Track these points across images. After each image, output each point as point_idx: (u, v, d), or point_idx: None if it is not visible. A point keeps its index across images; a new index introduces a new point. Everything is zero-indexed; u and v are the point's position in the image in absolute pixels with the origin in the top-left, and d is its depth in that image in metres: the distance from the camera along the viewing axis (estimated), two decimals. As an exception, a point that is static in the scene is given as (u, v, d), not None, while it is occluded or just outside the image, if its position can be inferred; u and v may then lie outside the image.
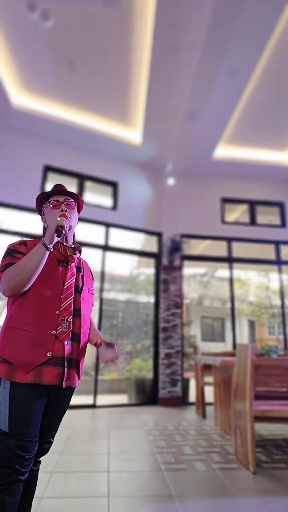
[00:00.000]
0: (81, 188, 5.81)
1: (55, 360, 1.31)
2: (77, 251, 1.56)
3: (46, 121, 5.05)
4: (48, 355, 1.29)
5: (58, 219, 1.36)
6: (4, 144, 5.23)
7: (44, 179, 5.48)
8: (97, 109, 5.10)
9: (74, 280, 1.45)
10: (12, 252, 1.41)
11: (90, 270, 1.67)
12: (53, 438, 1.45)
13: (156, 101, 4.67)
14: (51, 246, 1.34)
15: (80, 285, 1.49)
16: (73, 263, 1.49)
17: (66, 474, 2.42)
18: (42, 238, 1.35)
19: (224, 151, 5.92)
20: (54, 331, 1.33)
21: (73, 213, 1.54)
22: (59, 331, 1.33)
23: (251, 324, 15.23)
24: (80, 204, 1.62)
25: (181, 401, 5.43)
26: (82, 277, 1.53)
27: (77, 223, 1.60)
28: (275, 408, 2.67)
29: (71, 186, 5.85)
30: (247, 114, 5.04)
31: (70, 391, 1.42)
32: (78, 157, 5.73)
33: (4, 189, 5.08)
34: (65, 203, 1.54)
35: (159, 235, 6.11)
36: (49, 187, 5.56)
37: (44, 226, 1.58)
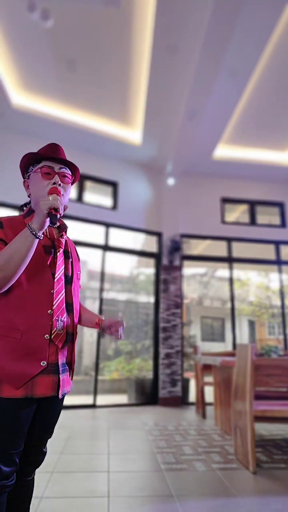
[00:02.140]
0: (81, 188, 5.80)
1: (49, 368, 1.12)
2: (63, 232, 1.28)
3: (46, 121, 5.05)
4: (42, 364, 1.09)
5: (51, 198, 1.08)
6: (3, 144, 5.23)
7: (44, 179, 5.48)
8: (97, 109, 5.10)
9: (63, 270, 1.22)
10: None
11: (76, 249, 1.40)
12: (45, 448, 1.28)
13: (156, 101, 4.67)
14: (41, 233, 1.07)
15: (70, 273, 1.25)
16: (61, 249, 1.23)
17: (66, 474, 2.41)
18: (30, 223, 1.07)
19: (224, 151, 5.92)
20: (47, 335, 1.11)
21: (67, 189, 1.24)
22: (54, 334, 1.13)
23: (251, 324, 15.23)
24: (77, 177, 1.31)
25: (181, 401, 5.43)
26: (72, 263, 1.28)
27: (69, 200, 1.32)
28: (275, 408, 2.67)
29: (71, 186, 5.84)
30: (247, 114, 5.04)
31: (61, 400, 1.25)
32: (78, 157, 5.70)
33: (4, 189, 5.08)
34: (61, 173, 1.22)
35: (159, 235, 6.11)
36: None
37: (27, 193, 1.27)
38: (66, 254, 1.26)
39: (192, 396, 5.57)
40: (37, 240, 1.07)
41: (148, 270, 7.17)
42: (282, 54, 4.05)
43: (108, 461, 2.70)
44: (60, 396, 1.15)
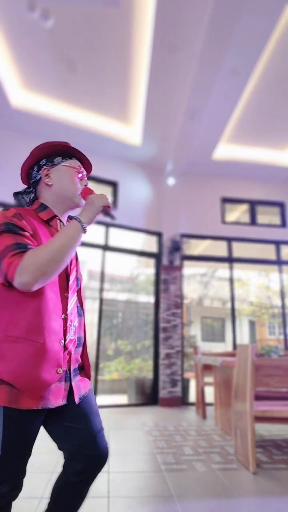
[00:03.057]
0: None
1: (62, 375, 1.05)
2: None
3: (46, 120, 5.04)
4: (58, 372, 1.01)
5: (102, 194, 1.11)
6: (3, 144, 5.23)
7: (44, 179, 5.48)
8: (97, 109, 5.09)
9: (76, 273, 1.17)
10: (14, 228, 1.02)
11: None
12: (103, 441, 1.18)
13: (156, 101, 4.67)
14: (88, 227, 1.07)
15: (80, 275, 1.21)
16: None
17: (66, 474, 2.41)
18: (79, 216, 1.06)
19: (224, 151, 5.91)
20: (62, 340, 1.04)
21: None
22: (68, 339, 1.06)
23: (252, 324, 15.22)
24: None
25: (181, 401, 5.43)
26: (77, 265, 1.22)
27: None
28: (275, 408, 2.66)
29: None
30: (247, 114, 5.04)
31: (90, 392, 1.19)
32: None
33: (3, 189, 5.07)
34: (86, 176, 1.27)
35: (159, 235, 6.11)
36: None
37: (46, 182, 1.20)
38: (76, 256, 1.21)
39: (192, 396, 5.56)
40: (83, 234, 1.06)
41: (148, 270, 7.17)
42: (282, 54, 4.04)
43: (108, 461, 2.70)
44: (77, 401, 1.08)
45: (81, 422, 1.10)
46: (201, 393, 4.64)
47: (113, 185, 6.05)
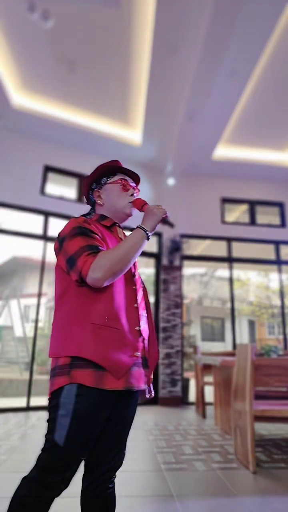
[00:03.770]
0: (81, 188, 5.81)
1: (139, 361, 1.15)
2: None
3: (46, 121, 5.05)
4: (136, 355, 1.13)
5: (160, 206, 1.24)
6: (4, 144, 5.23)
7: (44, 179, 5.49)
8: (97, 109, 5.10)
9: (137, 270, 1.32)
10: (86, 231, 1.17)
11: None
12: (125, 450, 1.24)
13: (156, 101, 4.67)
14: (151, 235, 1.20)
15: (139, 275, 1.35)
16: None
17: (66, 474, 2.42)
18: (142, 225, 1.20)
19: (224, 151, 5.92)
20: (138, 326, 1.18)
21: None
22: (141, 327, 1.20)
23: (251, 324, 15.24)
24: (138, 191, 1.46)
25: (181, 401, 5.44)
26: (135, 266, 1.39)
27: None
28: (275, 407, 2.67)
29: (71, 186, 5.86)
30: (247, 114, 5.05)
31: (137, 396, 1.23)
32: (78, 157, 5.74)
33: (4, 189, 5.08)
34: (134, 187, 1.39)
35: (159, 235, 6.11)
36: (49, 187, 5.57)
37: (98, 202, 1.36)
38: None
39: (192, 396, 5.58)
40: (147, 241, 1.19)
41: (148, 270, 7.17)
42: (282, 54, 4.05)
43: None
44: (149, 391, 1.19)
45: (124, 423, 1.20)
46: (201, 393, 4.65)
47: (113, 185, 6.05)
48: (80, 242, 1.13)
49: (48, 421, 1.10)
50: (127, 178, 1.37)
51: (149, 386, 1.19)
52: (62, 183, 5.87)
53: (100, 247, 1.14)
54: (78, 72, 4.38)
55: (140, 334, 1.17)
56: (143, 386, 1.14)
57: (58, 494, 1.08)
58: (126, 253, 1.12)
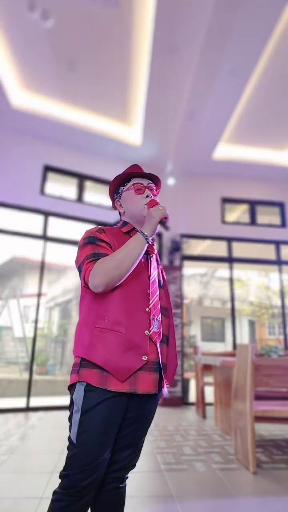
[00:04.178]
0: (81, 188, 5.81)
1: (150, 365, 1.15)
2: (153, 241, 1.37)
3: (46, 120, 5.05)
4: (143, 359, 1.13)
5: (161, 207, 1.22)
6: (3, 144, 5.23)
7: (44, 179, 5.48)
8: (97, 109, 5.09)
9: (156, 273, 1.32)
10: (94, 239, 1.23)
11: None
12: (140, 452, 1.27)
13: (156, 101, 4.67)
14: (151, 238, 1.21)
15: (161, 279, 1.35)
16: (154, 254, 1.35)
17: (66, 474, 2.41)
18: (142, 229, 1.21)
19: (224, 151, 5.91)
20: (147, 331, 1.17)
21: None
22: (152, 331, 1.18)
23: (251, 324, 15.22)
24: (159, 188, 1.45)
25: (181, 401, 5.43)
26: (162, 270, 1.40)
27: None
28: (275, 408, 2.66)
29: (71, 186, 5.85)
30: (247, 114, 5.04)
31: (156, 399, 1.24)
32: (78, 157, 5.73)
33: (4, 189, 5.08)
34: (150, 188, 1.37)
35: (159, 235, 6.11)
36: (49, 187, 5.56)
37: (120, 211, 1.42)
38: (157, 261, 1.38)
39: (192, 396, 5.57)
40: (147, 245, 1.20)
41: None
42: (282, 54, 4.05)
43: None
44: (165, 394, 1.21)
45: (141, 425, 1.21)
46: (201, 393, 4.64)
47: (113, 185, 6.05)
48: (87, 251, 1.20)
49: (68, 418, 1.16)
50: (141, 181, 1.37)
51: (159, 391, 1.18)
52: (62, 183, 5.86)
53: (105, 255, 1.19)
54: (78, 71, 4.37)
55: (151, 339, 1.17)
56: (151, 390, 1.14)
57: (88, 505, 1.11)
58: (122, 259, 1.14)
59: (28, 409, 4.75)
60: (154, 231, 1.21)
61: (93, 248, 1.21)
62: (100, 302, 1.18)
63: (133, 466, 1.26)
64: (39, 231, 5.32)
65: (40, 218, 5.36)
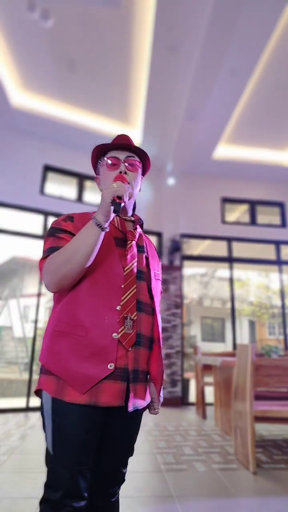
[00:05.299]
0: (81, 188, 5.80)
1: (117, 373, 0.97)
2: (137, 225, 1.19)
3: (46, 120, 5.05)
4: (109, 367, 0.96)
5: (115, 185, 0.98)
6: (3, 144, 5.23)
7: (44, 179, 5.48)
8: (97, 109, 5.09)
9: (136, 263, 1.10)
10: (55, 231, 1.07)
11: (156, 249, 1.29)
12: (125, 468, 1.11)
13: (156, 101, 4.67)
14: (107, 224, 0.98)
15: (145, 269, 1.13)
16: (133, 241, 1.12)
17: (66, 474, 2.40)
18: (94, 213, 1.00)
19: (224, 150, 5.91)
20: (116, 333, 0.99)
21: (136, 177, 1.15)
22: (122, 333, 0.99)
23: (252, 324, 15.23)
24: (147, 165, 1.22)
25: (181, 401, 5.43)
26: (147, 258, 1.16)
27: (140, 190, 1.20)
28: (275, 408, 2.66)
29: (71, 186, 5.85)
30: (247, 114, 5.04)
31: (137, 412, 1.06)
32: (78, 157, 5.72)
33: (3, 189, 5.08)
34: (128, 162, 1.14)
35: (159, 235, 6.10)
36: (49, 187, 5.56)
37: (100, 189, 1.20)
38: (140, 248, 1.15)
39: (192, 396, 5.56)
40: (103, 232, 0.99)
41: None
42: (282, 54, 4.05)
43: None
44: (130, 408, 0.98)
45: (120, 442, 1.07)
46: (201, 393, 4.64)
47: (113, 185, 6.05)
48: (46, 245, 1.05)
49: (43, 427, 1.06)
50: (117, 154, 1.16)
51: (128, 402, 0.98)
52: (62, 183, 5.86)
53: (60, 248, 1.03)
54: (78, 71, 4.37)
55: (120, 342, 0.99)
56: (115, 402, 0.95)
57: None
58: (72, 252, 0.97)
59: (28, 409, 4.75)
60: (106, 215, 0.97)
61: (52, 241, 1.05)
62: (63, 300, 1.03)
63: (119, 482, 1.12)
64: (39, 231, 5.32)
65: (40, 218, 5.36)
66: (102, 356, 0.96)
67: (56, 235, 1.05)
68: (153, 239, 6.17)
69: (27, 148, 5.37)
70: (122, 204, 0.96)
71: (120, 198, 0.96)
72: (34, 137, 5.43)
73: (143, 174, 1.22)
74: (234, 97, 4.53)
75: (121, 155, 1.16)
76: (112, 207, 0.96)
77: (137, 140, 5.56)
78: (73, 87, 4.69)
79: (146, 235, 1.27)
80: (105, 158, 1.17)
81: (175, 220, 6.15)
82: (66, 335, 0.99)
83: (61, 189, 5.83)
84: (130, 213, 1.20)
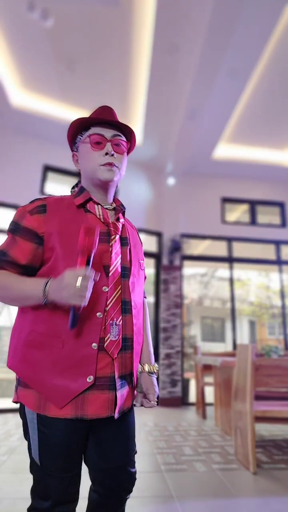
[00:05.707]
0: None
1: (103, 383, 0.92)
2: (119, 214, 1.09)
3: (46, 120, 5.04)
4: (88, 380, 0.90)
5: (78, 285, 0.84)
6: (3, 144, 5.23)
7: (43, 179, 5.48)
8: (97, 109, 5.09)
9: (120, 260, 1.01)
10: (16, 228, 0.97)
11: (137, 233, 1.21)
12: (133, 467, 1.04)
13: (156, 101, 4.66)
14: (48, 300, 0.89)
15: (128, 264, 1.04)
16: (117, 236, 1.02)
17: (66, 474, 2.40)
18: (50, 287, 0.88)
19: (224, 150, 5.91)
20: (95, 343, 0.91)
21: (122, 160, 1.06)
22: (108, 342, 0.93)
23: (252, 324, 15.22)
24: (132, 144, 1.11)
25: (181, 401, 5.42)
26: (130, 251, 1.06)
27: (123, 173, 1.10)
28: (275, 408, 2.66)
29: (71, 185, 5.84)
30: (247, 114, 5.04)
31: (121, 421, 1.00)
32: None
33: (3, 189, 5.07)
34: (114, 141, 1.03)
35: (159, 235, 6.10)
36: (49, 187, 5.56)
37: (77, 168, 1.10)
38: (123, 241, 1.05)
39: (192, 396, 5.56)
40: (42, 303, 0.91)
41: (148, 270, 7.16)
42: (282, 54, 4.04)
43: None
44: (116, 416, 0.93)
45: (118, 445, 1.01)
46: (201, 393, 4.63)
47: (113, 185, 6.04)
48: (3, 243, 0.99)
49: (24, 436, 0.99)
50: (103, 132, 1.03)
51: (116, 411, 0.93)
52: (62, 183, 5.86)
53: (11, 259, 0.94)
54: (78, 71, 4.37)
55: (106, 350, 0.92)
56: (103, 413, 0.91)
57: None
58: (13, 287, 0.91)
59: (28, 409, 4.74)
60: (58, 304, 0.89)
61: (7, 243, 0.97)
62: (36, 308, 0.94)
63: (128, 487, 1.05)
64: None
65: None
66: (80, 369, 0.90)
67: (14, 236, 0.97)
68: (153, 239, 6.17)
69: (27, 148, 5.37)
70: (78, 316, 0.88)
71: (78, 309, 0.87)
72: (34, 137, 5.43)
73: (128, 152, 1.11)
74: (234, 97, 4.53)
75: (107, 133, 1.03)
76: (70, 315, 0.87)
77: (137, 140, 5.55)
78: (73, 87, 4.69)
79: (128, 220, 1.19)
80: (88, 135, 1.03)
81: (175, 220, 6.14)
82: (42, 346, 0.92)
83: (61, 189, 5.83)
84: (111, 199, 1.11)
